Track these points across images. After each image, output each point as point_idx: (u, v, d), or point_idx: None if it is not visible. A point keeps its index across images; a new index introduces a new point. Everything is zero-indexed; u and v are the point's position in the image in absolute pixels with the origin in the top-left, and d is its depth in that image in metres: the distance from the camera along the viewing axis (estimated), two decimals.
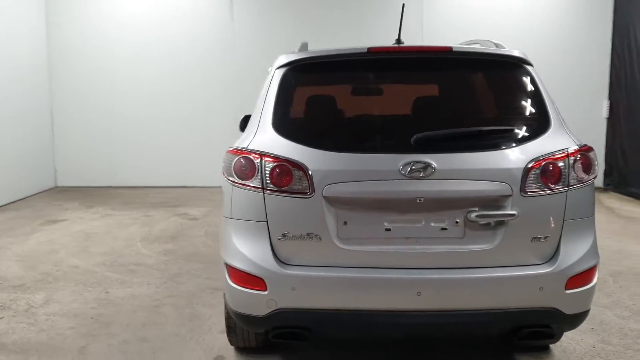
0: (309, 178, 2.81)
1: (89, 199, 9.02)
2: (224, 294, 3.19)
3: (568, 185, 2.86)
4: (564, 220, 2.87)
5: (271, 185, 2.86)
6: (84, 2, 9.90)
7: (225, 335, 3.60)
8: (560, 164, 2.85)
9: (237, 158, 2.94)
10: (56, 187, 10.16)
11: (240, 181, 2.93)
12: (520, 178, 2.80)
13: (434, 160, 2.78)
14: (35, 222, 7.36)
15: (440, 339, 3.76)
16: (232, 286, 2.98)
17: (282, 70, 3.15)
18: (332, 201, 2.82)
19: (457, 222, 2.86)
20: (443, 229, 2.87)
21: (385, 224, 2.87)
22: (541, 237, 2.85)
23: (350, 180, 2.81)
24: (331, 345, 3.76)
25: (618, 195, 9.28)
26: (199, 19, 9.88)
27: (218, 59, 9.87)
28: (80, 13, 9.92)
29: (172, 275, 5.18)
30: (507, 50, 3.22)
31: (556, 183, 2.84)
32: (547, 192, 2.83)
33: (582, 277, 2.89)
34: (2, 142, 8.61)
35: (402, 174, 2.77)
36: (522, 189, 2.80)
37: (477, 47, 3.41)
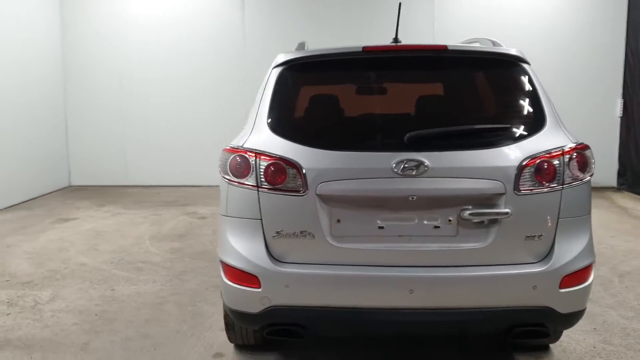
0: (303, 176, 2.83)
1: (101, 197, 9.13)
2: (221, 292, 3.22)
3: (563, 184, 2.84)
4: (558, 218, 2.85)
5: (266, 184, 2.88)
6: (97, 6, 10.02)
7: (225, 332, 3.63)
8: (555, 162, 2.83)
9: (232, 156, 2.98)
10: (70, 186, 10.30)
11: (236, 179, 2.96)
12: (513, 176, 2.79)
13: (427, 158, 2.78)
14: (47, 221, 7.47)
15: (434, 337, 3.76)
16: (227, 283, 3.01)
17: (279, 69, 3.18)
18: (325, 199, 2.84)
19: (450, 220, 2.86)
20: (436, 227, 2.87)
21: (379, 221, 2.87)
22: (535, 236, 2.84)
23: (343, 178, 2.82)
24: (330, 343, 3.78)
25: (632, 195, 9.16)
26: (211, 21, 9.95)
27: (229, 61, 9.93)
28: (94, 16, 10.05)
29: (177, 273, 5.23)
30: (504, 49, 3.21)
31: (550, 181, 2.83)
32: (541, 190, 2.82)
33: (577, 276, 2.87)
34: (18, 143, 8.76)
35: (395, 172, 2.78)
36: (516, 187, 2.79)
37: (474, 46, 3.40)
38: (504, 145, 2.87)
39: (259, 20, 9.90)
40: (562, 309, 2.88)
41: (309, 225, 2.85)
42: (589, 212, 2.98)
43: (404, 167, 2.77)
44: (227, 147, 3.05)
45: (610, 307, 4.35)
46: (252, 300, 2.91)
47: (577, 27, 9.56)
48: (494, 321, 2.92)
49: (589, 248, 2.94)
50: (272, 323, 2.99)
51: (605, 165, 9.34)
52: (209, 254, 5.86)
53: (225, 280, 3.02)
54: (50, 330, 4.01)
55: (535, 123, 2.97)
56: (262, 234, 2.91)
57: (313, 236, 2.85)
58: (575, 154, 2.87)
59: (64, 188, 10.12)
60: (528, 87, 3.08)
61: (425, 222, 2.87)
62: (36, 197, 9.14)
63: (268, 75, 3.21)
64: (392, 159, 2.79)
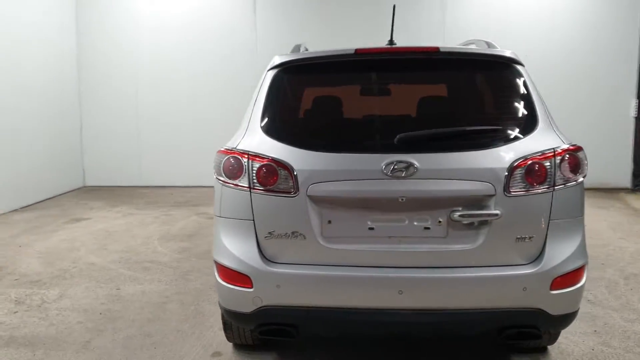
0: (294, 177, 2.86)
1: (115, 198, 9.27)
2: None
3: (554, 185, 2.83)
4: (549, 220, 2.84)
5: (258, 185, 2.92)
6: (111, 8, 10.17)
7: (223, 332, 3.67)
8: (546, 163, 2.83)
9: (226, 158, 3.02)
10: (84, 186, 10.47)
11: (229, 180, 3.00)
12: (503, 178, 2.79)
13: (417, 159, 2.79)
14: (60, 221, 7.60)
15: (425, 338, 3.77)
16: (220, 283, 3.06)
17: (273, 72, 3.22)
18: (316, 200, 2.87)
19: (440, 222, 2.87)
20: (426, 228, 2.88)
21: (369, 223, 2.90)
22: (526, 237, 2.83)
23: (333, 179, 2.85)
24: (329, 343, 3.80)
25: None
26: (223, 22, 10.06)
27: (242, 61, 10.02)
28: (109, 18, 10.22)
29: (183, 273, 5.29)
30: (497, 50, 3.21)
31: (541, 183, 2.82)
32: (532, 192, 2.82)
33: (569, 277, 2.87)
34: (33, 144, 8.94)
35: (385, 174, 2.80)
36: (506, 189, 2.79)
37: (467, 47, 3.40)
38: (494, 147, 2.87)
39: (271, 20, 9.98)
40: (554, 310, 2.87)
41: (300, 226, 2.88)
42: (581, 214, 2.97)
43: (393, 168, 2.79)
44: (222, 149, 3.09)
45: (613, 310, 4.31)
46: (245, 300, 2.95)
47: (590, 27, 9.49)
48: (483, 322, 2.92)
49: (581, 250, 2.93)
50: (264, 323, 3.02)
51: (620, 166, 9.24)
52: None
53: (219, 280, 3.06)
54: (55, 328, 4.09)
55: (527, 125, 2.97)
56: (254, 234, 2.95)
57: (304, 237, 2.88)
58: (567, 155, 2.86)
59: (79, 188, 10.29)
60: (521, 88, 3.07)
61: (415, 224, 2.88)
62: (51, 198, 9.31)
63: (263, 77, 3.25)
64: (381, 161, 2.81)
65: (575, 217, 2.93)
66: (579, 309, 3.00)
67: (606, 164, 9.13)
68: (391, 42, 3.52)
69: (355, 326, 3.03)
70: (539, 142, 2.89)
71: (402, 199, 2.82)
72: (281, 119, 3.20)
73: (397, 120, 3.28)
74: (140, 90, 10.29)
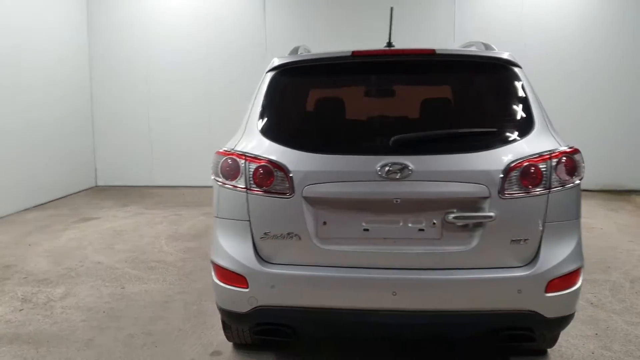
0: (290, 179, 2.88)
1: (125, 198, 9.36)
2: None
3: (550, 188, 2.82)
4: (544, 222, 2.84)
5: (254, 186, 2.95)
6: (122, 9, 10.27)
7: (223, 331, 3.70)
8: (542, 166, 2.82)
9: (223, 159, 3.05)
10: (96, 186, 10.58)
11: (226, 181, 3.03)
12: (498, 180, 2.79)
13: (411, 161, 2.80)
14: (70, 220, 7.70)
15: (416, 339, 3.77)
16: (217, 283, 3.09)
17: (271, 74, 3.25)
18: (311, 201, 2.89)
19: (434, 223, 2.87)
20: (421, 230, 2.89)
21: (364, 224, 2.91)
22: (520, 240, 2.83)
23: (328, 181, 2.86)
24: (328, 343, 3.82)
25: None
26: (233, 22, 10.11)
27: (251, 63, 10.03)
28: (119, 19, 10.31)
29: (187, 273, 5.34)
30: (494, 52, 3.21)
31: (537, 185, 2.82)
32: (527, 194, 2.81)
33: (564, 280, 2.86)
34: (47, 143, 9.05)
35: (379, 175, 2.81)
36: (501, 191, 2.79)
37: (465, 49, 3.40)
38: (489, 149, 2.87)
39: (280, 20, 10.02)
40: (549, 313, 2.87)
41: (295, 227, 2.90)
42: (577, 217, 2.96)
43: (388, 170, 2.80)
44: (219, 150, 3.12)
45: (616, 313, 4.28)
46: (240, 300, 2.98)
47: (608, 28, 9.40)
48: (478, 324, 2.93)
49: (577, 252, 2.91)
50: (259, 322, 3.05)
51: (634, 167, 9.14)
52: None
53: (216, 280, 3.10)
54: (58, 326, 4.14)
55: (523, 127, 2.96)
56: (250, 235, 2.98)
57: (299, 238, 2.90)
58: (564, 158, 2.85)
59: (90, 188, 10.40)
60: (517, 90, 3.07)
61: (410, 225, 2.89)
62: (63, 197, 9.42)
63: (262, 79, 3.28)
64: (376, 162, 2.82)
65: (571, 220, 2.92)
66: (575, 311, 3.00)
67: (621, 166, 9.11)
68: (389, 44, 3.53)
69: (349, 327, 3.05)
70: (534, 144, 2.88)
71: (397, 201, 2.83)
72: (278, 120, 3.22)
73: (393, 122, 3.29)
74: (152, 91, 10.37)
